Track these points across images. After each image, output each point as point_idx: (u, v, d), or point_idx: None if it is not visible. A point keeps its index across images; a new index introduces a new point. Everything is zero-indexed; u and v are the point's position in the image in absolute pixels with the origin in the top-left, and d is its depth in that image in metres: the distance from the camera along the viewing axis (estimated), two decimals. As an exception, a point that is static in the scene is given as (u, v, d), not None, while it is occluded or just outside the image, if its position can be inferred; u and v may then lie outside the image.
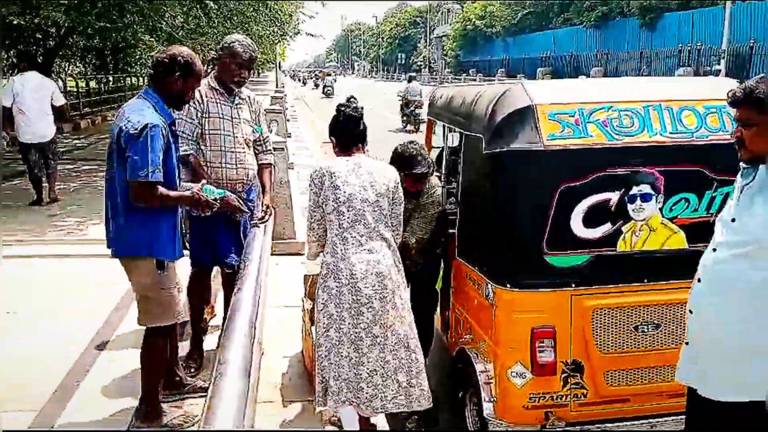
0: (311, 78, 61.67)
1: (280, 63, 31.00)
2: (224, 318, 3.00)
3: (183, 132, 3.52)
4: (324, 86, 38.13)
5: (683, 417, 2.46)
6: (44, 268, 5.72)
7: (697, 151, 3.00)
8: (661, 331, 3.01)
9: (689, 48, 28.61)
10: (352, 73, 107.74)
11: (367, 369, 2.94)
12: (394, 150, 3.76)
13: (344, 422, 3.15)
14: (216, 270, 4.06)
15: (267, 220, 3.82)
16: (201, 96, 3.60)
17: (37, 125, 7.98)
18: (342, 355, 2.94)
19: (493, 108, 3.07)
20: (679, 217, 3.03)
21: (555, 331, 2.96)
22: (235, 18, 15.04)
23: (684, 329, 2.35)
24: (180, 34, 13.34)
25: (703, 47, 27.57)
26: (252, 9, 15.91)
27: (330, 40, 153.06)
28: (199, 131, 3.60)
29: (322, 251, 3.07)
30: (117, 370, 3.75)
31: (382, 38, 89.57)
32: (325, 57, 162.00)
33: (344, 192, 2.95)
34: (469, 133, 3.39)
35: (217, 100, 3.65)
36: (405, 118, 19.15)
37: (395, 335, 2.98)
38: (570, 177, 2.92)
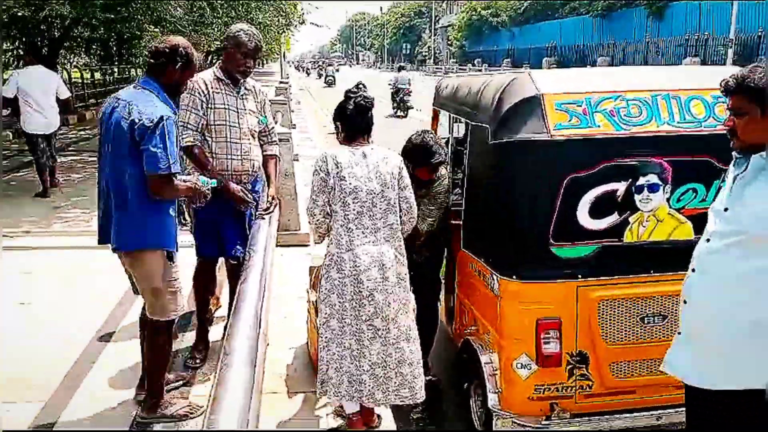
0: (315, 68, 63.32)
1: (284, 53, 30.95)
2: (229, 309, 3.00)
3: (188, 123, 3.51)
4: (326, 76, 40.22)
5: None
6: (49, 260, 5.74)
7: (705, 141, 2.97)
8: (667, 322, 2.99)
9: (696, 37, 28.39)
10: (357, 63, 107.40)
11: (369, 361, 2.93)
12: (408, 140, 3.74)
13: (347, 410, 3.17)
14: (221, 261, 4.06)
15: (272, 211, 3.81)
16: (207, 87, 3.58)
17: (42, 116, 8.06)
18: (344, 346, 2.94)
19: (499, 97, 3.05)
20: (686, 207, 3.01)
21: (560, 323, 2.95)
22: (240, 8, 14.99)
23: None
24: (184, 24, 13.30)
25: (710, 37, 27.35)
26: (256, -1, 15.87)
27: (335, 30, 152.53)
28: (204, 122, 3.59)
29: (327, 234, 3.04)
30: (122, 362, 3.76)
31: (387, 29, 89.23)
32: (330, 48, 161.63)
33: (350, 184, 2.92)
34: (475, 123, 3.36)
35: (223, 91, 3.63)
36: (395, 105, 20.98)
37: (397, 328, 2.98)
38: (577, 167, 2.90)
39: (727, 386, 2.06)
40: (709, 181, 2.99)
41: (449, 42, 62.80)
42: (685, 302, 2.21)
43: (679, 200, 3.00)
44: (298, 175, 6.87)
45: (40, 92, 8.02)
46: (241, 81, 3.68)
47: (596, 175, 2.92)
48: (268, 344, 3.36)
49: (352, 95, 3.10)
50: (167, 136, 2.89)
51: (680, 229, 3.02)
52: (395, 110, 20.90)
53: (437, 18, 70.49)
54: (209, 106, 3.59)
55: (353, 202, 2.92)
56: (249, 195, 3.64)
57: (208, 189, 3.26)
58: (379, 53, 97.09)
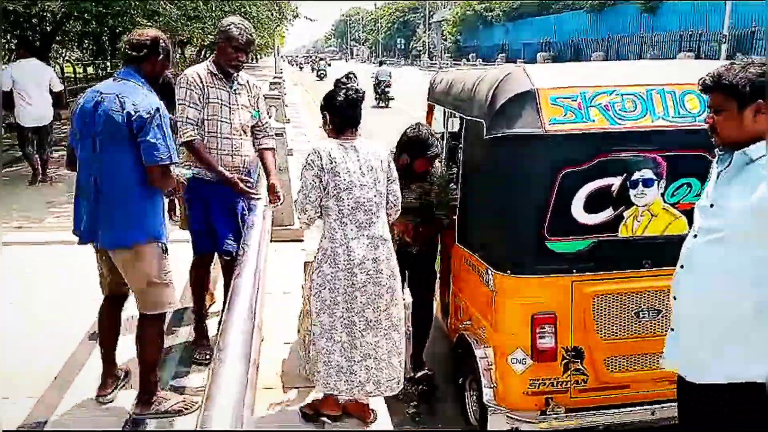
0: (308, 63, 66.74)
1: (278, 48, 30.87)
2: (224, 304, 2.99)
3: (188, 118, 3.48)
4: (318, 70, 43.17)
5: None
6: (42, 255, 5.70)
7: (700, 136, 2.95)
8: (662, 317, 3.00)
9: (690, 32, 28.43)
10: (352, 58, 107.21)
11: (360, 353, 2.94)
12: (404, 133, 3.76)
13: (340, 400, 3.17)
14: (216, 256, 4.04)
15: (282, 201, 3.81)
16: (202, 81, 3.55)
17: (36, 109, 8.12)
18: (334, 341, 2.93)
19: (494, 92, 3.04)
20: (681, 202, 3.01)
21: (556, 317, 2.95)
22: (234, 2, 14.91)
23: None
24: (176, 19, 13.23)
25: (704, 32, 27.40)
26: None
27: (329, 25, 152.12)
28: (202, 117, 3.57)
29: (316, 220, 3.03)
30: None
31: (381, 23, 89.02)
32: (324, 42, 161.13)
33: (345, 179, 2.90)
34: (469, 117, 3.36)
35: (216, 86, 3.60)
36: (377, 96, 22.93)
37: (388, 319, 2.98)
38: (572, 162, 2.90)
39: (716, 380, 2.08)
40: (703, 175, 2.98)
41: (444, 37, 62.71)
42: (674, 298, 2.23)
43: (673, 195, 3.01)
44: (293, 169, 6.84)
45: (34, 85, 8.10)
46: (234, 75, 3.65)
47: (591, 170, 2.92)
48: (262, 339, 3.36)
49: (342, 86, 3.04)
50: (164, 127, 2.92)
51: (675, 223, 3.02)
52: (377, 101, 22.81)
53: (432, 13, 70.36)
54: (204, 100, 3.56)
55: (348, 198, 2.91)
56: (252, 186, 3.65)
57: (185, 180, 3.31)
58: (374, 48, 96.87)
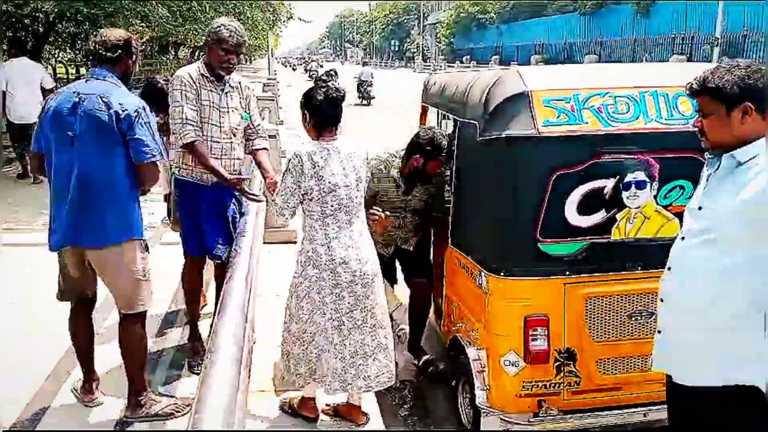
0: (301, 65, 68.05)
1: (272, 50, 30.81)
2: (215, 307, 2.97)
3: (188, 118, 3.45)
4: (309, 70, 44.70)
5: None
6: (42, 255, 5.64)
7: (693, 138, 2.96)
8: (654, 319, 2.99)
9: (683, 36, 28.57)
10: (346, 60, 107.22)
11: (349, 351, 2.97)
12: (416, 135, 3.80)
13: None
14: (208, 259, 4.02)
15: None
16: (195, 82, 3.53)
17: (27, 107, 8.14)
18: (329, 341, 2.95)
19: (487, 94, 3.03)
20: (673, 204, 3.01)
21: (548, 320, 2.95)
22: (228, 3, 14.87)
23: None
24: (170, 20, 13.18)
25: (697, 35, 27.53)
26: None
27: (323, 26, 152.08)
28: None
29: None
30: (104, 362, 3.70)
31: (375, 25, 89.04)
32: (318, 44, 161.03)
33: (328, 182, 2.88)
34: (463, 119, 3.35)
35: (207, 87, 3.58)
36: (359, 95, 24.57)
37: (373, 318, 3.02)
38: (565, 164, 2.90)
39: (710, 382, 2.08)
40: (696, 178, 2.99)
41: (438, 39, 62.79)
42: (662, 300, 2.23)
43: (666, 197, 3.01)
44: (286, 171, 6.82)
45: (23, 82, 8.22)
46: (225, 77, 3.63)
47: (584, 172, 2.92)
48: (254, 342, 3.34)
49: (322, 84, 2.99)
50: (150, 124, 2.97)
51: (667, 226, 3.02)
52: (360, 99, 24.44)
53: (426, 15, 70.44)
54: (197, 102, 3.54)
55: (332, 200, 2.91)
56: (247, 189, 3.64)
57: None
58: (368, 50, 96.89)
